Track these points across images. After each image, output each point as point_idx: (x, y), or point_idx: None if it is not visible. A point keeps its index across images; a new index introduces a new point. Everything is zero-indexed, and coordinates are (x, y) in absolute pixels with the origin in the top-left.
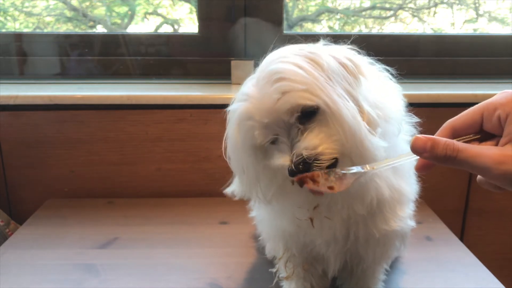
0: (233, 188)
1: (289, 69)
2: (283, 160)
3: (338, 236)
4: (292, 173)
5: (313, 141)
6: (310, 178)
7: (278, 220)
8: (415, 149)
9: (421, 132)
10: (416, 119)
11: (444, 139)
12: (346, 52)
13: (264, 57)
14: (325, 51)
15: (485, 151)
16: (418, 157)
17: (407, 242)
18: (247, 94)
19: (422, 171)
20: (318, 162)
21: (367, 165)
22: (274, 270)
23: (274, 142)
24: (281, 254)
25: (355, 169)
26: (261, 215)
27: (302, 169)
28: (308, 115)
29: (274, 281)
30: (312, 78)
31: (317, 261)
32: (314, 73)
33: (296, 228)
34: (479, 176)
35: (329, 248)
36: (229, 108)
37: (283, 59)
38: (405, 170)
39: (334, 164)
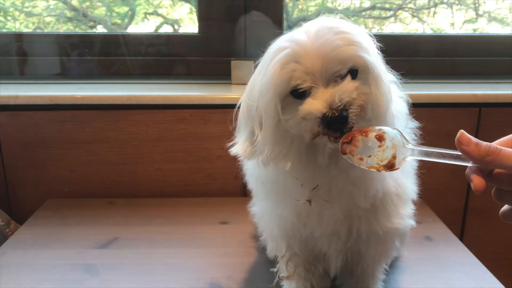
0: (238, 149)
1: (351, 27)
2: (318, 105)
3: (339, 230)
4: (326, 121)
5: (349, 85)
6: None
7: (278, 209)
8: (461, 140)
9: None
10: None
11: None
12: None
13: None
14: None
15: None
16: (460, 155)
17: (406, 242)
18: (296, 38)
19: (480, 188)
20: (351, 108)
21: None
22: (274, 269)
23: (301, 96)
24: (283, 253)
25: (399, 135)
26: (261, 210)
27: (338, 116)
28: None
29: (275, 280)
30: (368, 41)
31: (318, 260)
32: (368, 37)
33: (296, 216)
34: (503, 208)
35: (331, 245)
36: (272, 47)
37: (337, 19)
38: (408, 169)
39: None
